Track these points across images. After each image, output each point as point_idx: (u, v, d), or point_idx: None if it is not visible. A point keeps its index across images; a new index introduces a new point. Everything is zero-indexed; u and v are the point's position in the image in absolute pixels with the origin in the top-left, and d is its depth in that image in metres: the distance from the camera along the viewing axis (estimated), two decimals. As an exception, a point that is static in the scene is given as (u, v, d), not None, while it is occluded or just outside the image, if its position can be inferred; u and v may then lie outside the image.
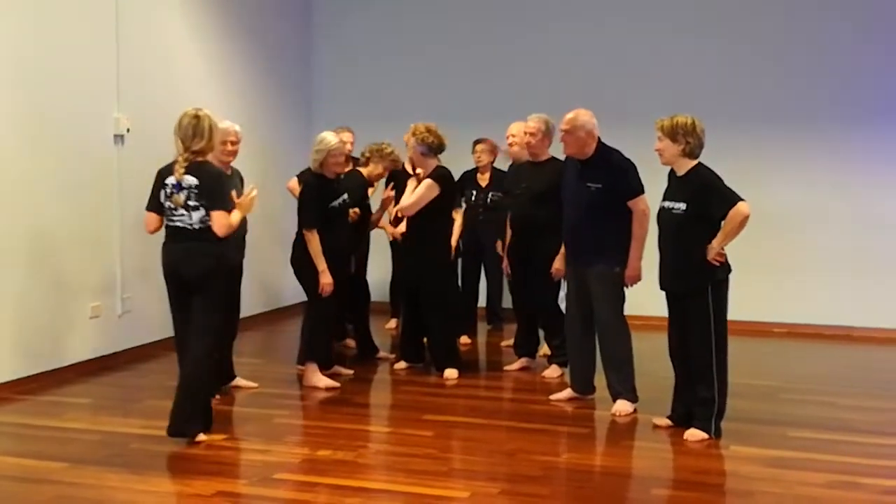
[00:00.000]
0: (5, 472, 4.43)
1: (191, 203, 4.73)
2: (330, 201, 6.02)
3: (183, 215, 4.75)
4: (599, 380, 5.73)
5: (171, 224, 4.82)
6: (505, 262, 6.66)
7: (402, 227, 6.73)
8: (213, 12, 7.89)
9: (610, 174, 5.48)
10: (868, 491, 4.28)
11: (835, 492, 4.26)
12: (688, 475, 4.53)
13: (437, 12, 9.18)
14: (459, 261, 7.51)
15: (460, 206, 7.37)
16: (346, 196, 6.18)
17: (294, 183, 6.87)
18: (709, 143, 4.99)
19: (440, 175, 6.27)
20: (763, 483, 4.36)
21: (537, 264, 6.16)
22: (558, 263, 6.00)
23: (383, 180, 7.00)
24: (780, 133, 8.30)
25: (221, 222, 4.72)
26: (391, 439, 5.14)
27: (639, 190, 5.48)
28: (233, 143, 5.75)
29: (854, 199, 8.19)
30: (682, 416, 5.11)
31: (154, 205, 4.86)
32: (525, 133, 6.27)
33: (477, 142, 7.72)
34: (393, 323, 8.08)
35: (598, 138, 5.57)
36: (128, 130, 6.62)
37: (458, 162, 7.22)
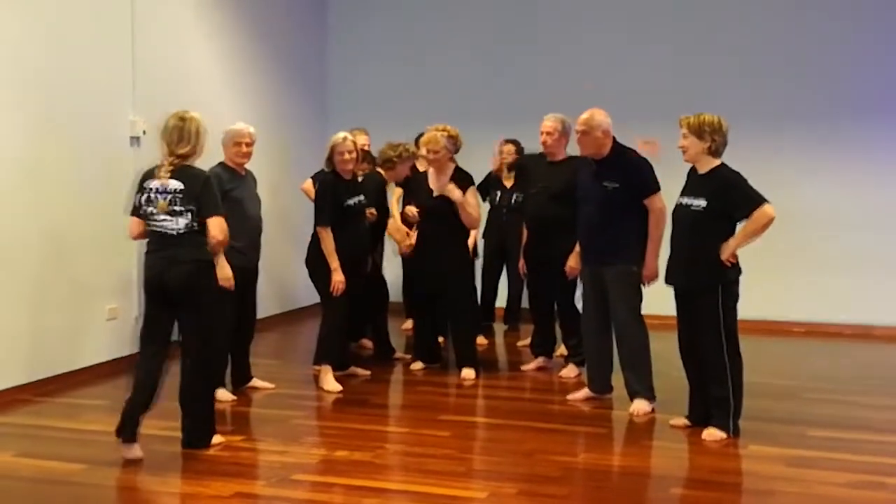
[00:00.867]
0: (23, 474, 4.45)
1: (175, 208, 4.56)
2: (345, 200, 6.00)
3: (165, 220, 4.58)
4: (617, 379, 5.71)
5: (153, 229, 4.64)
6: (521, 262, 6.64)
7: (413, 238, 6.60)
8: (228, 15, 7.92)
9: (626, 173, 5.46)
10: (891, 491, 4.24)
11: (856, 491, 4.21)
12: (707, 475, 4.50)
13: (452, 14, 9.18)
14: (476, 262, 7.47)
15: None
16: (362, 196, 6.17)
17: (308, 184, 6.85)
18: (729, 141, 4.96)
19: (471, 178, 6.37)
20: (783, 483, 4.33)
21: (554, 264, 6.12)
22: (573, 262, 5.97)
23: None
24: (798, 132, 8.26)
25: (221, 227, 4.60)
26: (408, 440, 5.12)
27: (655, 188, 5.47)
28: (247, 145, 5.76)
29: (873, 196, 8.13)
30: (700, 416, 5.08)
31: (136, 209, 4.70)
32: (542, 133, 6.24)
33: (506, 142, 7.64)
34: (409, 323, 8.06)
35: (614, 137, 5.55)
36: (144, 132, 6.63)
37: (473, 163, 7.16)
